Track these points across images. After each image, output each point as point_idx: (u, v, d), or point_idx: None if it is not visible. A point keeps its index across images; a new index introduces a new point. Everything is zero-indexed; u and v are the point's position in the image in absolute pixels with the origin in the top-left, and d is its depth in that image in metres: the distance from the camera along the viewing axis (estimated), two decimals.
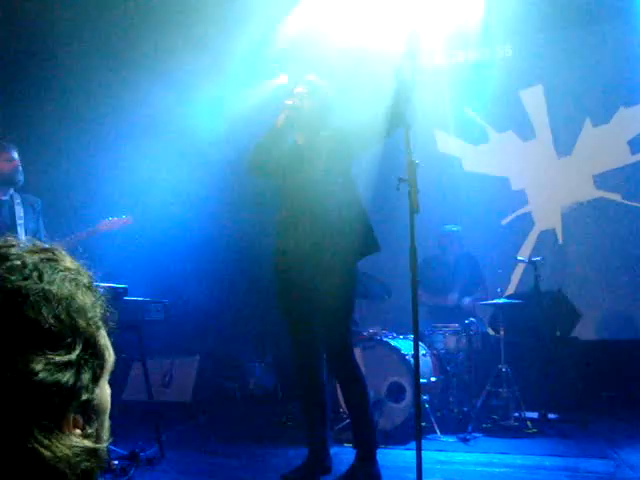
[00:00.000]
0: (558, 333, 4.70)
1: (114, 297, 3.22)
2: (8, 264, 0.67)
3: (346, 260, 2.93)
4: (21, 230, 3.71)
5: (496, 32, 5.96)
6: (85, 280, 0.73)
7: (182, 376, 4.75)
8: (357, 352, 4.09)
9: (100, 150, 4.71)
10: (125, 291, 3.31)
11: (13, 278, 0.66)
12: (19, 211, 3.77)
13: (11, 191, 3.81)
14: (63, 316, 0.67)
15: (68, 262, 0.73)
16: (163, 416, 3.88)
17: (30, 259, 0.69)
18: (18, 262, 0.68)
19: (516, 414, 4.20)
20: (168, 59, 4.81)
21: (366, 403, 3.03)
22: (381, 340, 4.16)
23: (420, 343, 4.26)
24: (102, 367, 0.71)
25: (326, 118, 3.12)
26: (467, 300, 4.75)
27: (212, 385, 4.97)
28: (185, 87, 4.79)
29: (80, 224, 4.03)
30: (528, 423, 4.11)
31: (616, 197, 5.58)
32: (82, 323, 0.69)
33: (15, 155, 3.78)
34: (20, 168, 3.79)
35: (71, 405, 0.65)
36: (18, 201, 3.79)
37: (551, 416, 4.34)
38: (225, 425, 4.45)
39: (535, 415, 4.24)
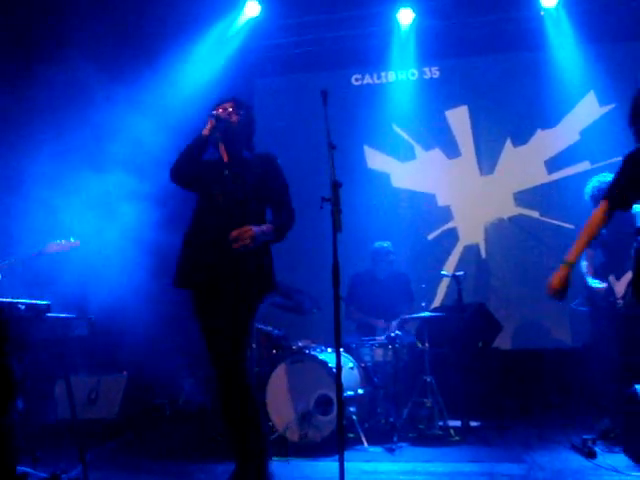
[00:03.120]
0: (480, 344, 4.91)
1: (36, 314, 3.14)
2: None
3: (245, 298, 2.90)
4: None
5: (425, 54, 6.22)
6: None
7: (109, 393, 4.66)
8: (286, 365, 4.15)
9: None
10: (48, 307, 3.24)
11: None
12: None
13: None
14: None
15: None
16: (89, 434, 3.80)
17: None
18: None
19: (440, 423, 4.35)
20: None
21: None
22: (309, 354, 4.23)
23: (348, 356, 4.39)
24: None
25: (250, 138, 3.15)
26: (393, 326, 4.87)
27: (141, 401, 4.90)
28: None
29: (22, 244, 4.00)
30: (451, 431, 4.27)
31: (534, 214, 5.91)
32: None
33: None
34: None
35: None
36: None
37: (473, 424, 4.53)
38: (154, 442, 4.39)
39: (458, 423, 4.41)
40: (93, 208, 4.42)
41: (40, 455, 3.34)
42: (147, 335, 4.86)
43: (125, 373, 4.74)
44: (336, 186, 2.58)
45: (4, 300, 2.98)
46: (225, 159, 3.11)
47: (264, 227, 2.90)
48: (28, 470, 3.09)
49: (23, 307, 3.05)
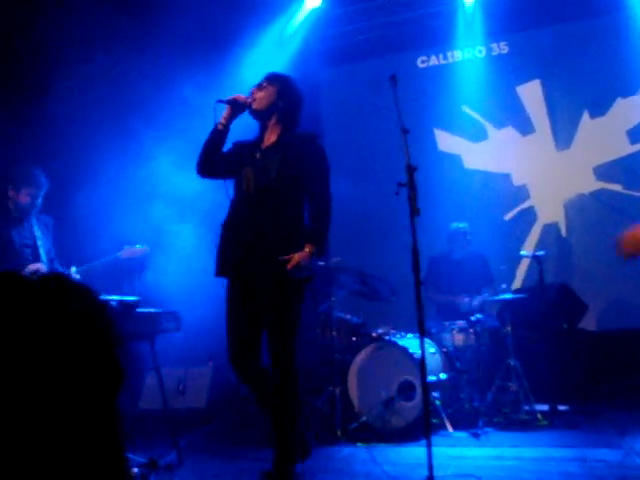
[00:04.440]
0: (565, 325, 4.75)
1: (127, 309, 3.30)
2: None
3: (287, 284, 2.80)
4: (42, 251, 3.94)
5: (491, 30, 6.04)
6: None
7: (196, 383, 4.84)
8: (367, 352, 4.17)
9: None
10: (137, 303, 3.39)
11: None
12: (37, 232, 3.97)
13: (30, 215, 4.01)
14: None
15: None
16: (179, 423, 3.96)
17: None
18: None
19: (526, 407, 4.25)
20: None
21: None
22: (390, 340, 4.23)
23: (429, 341, 4.36)
24: None
25: (290, 115, 2.95)
26: (476, 302, 4.80)
27: (227, 391, 5.05)
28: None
29: (100, 249, 4.21)
30: (538, 416, 4.16)
31: (617, 187, 5.63)
32: None
33: (39, 193, 3.97)
34: (37, 205, 3.98)
35: None
36: (35, 222, 4.00)
37: (561, 408, 4.39)
38: (241, 429, 4.53)
39: (545, 408, 4.29)
40: (173, 204, 4.55)
41: (137, 442, 3.52)
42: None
43: (211, 364, 4.90)
44: (411, 170, 2.56)
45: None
46: (262, 137, 2.99)
47: (307, 250, 2.78)
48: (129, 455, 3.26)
49: (115, 303, 3.22)
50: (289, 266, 2.73)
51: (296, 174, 2.87)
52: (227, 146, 3.07)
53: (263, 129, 3.01)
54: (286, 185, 2.85)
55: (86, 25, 4.79)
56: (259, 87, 2.97)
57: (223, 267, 2.94)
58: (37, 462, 0.70)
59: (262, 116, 2.97)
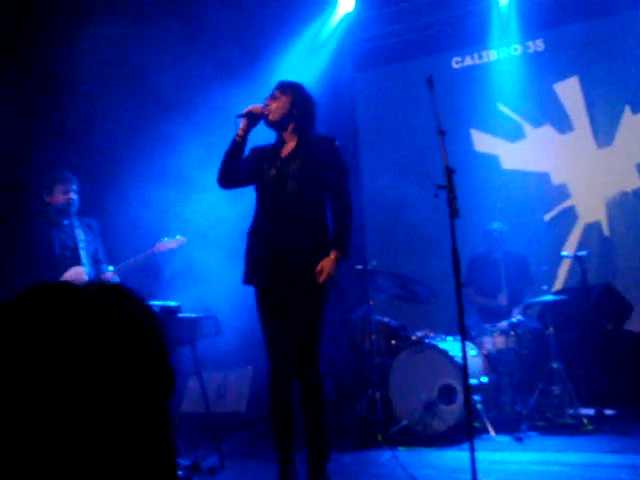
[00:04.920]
0: (610, 327, 4.63)
1: (169, 314, 3.36)
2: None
3: (311, 287, 2.82)
4: (83, 253, 3.95)
5: (527, 27, 5.95)
6: None
7: (236, 387, 4.88)
8: (406, 355, 4.14)
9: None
10: (178, 309, 3.45)
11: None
12: (79, 234, 3.98)
13: (70, 216, 4.02)
14: None
15: None
16: (220, 426, 4.00)
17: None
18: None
19: (571, 411, 4.15)
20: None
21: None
22: (429, 343, 4.20)
23: (469, 343, 4.30)
24: None
25: (305, 119, 2.97)
26: (516, 310, 4.72)
27: (266, 395, 5.07)
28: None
29: (136, 245, 4.25)
30: (584, 420, 4.06)
31: None
32: None
33: (70, 187, 3.99)
34: (73, 200, 3.99)
35: None
36: (77, 224, 4.01)
37: (608, 412, 4.28)
38: None
39: (591, 412, 4.18)
40: (213, 204, 4.59)
41: (179, 445, 3.57)
42: None
43: (250, 368, 4.93)
44: (450, 172, 2.54)
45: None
46: (280, 145, 3.01)
47: (332, 256, 2.80)
48: None
49: (157, 309, 3.28)
50: (321, 279, 2.76)
51: (317, 179, 2.90)
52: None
53: (280, 138, 3.05)
54: (308, 191, 2.88)
55: (119, 27, 4.88)
56: (272, 98, 3.00)
57: (250, 276, 2.97)
58: (90, 466, 0.72)
59: (278, 126, 3.01)
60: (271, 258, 2.87)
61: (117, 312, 0.78)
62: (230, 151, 2.97)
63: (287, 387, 2.95)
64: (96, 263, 4.03)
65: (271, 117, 2.95)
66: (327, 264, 2.78)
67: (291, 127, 2.98)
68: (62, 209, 3.97)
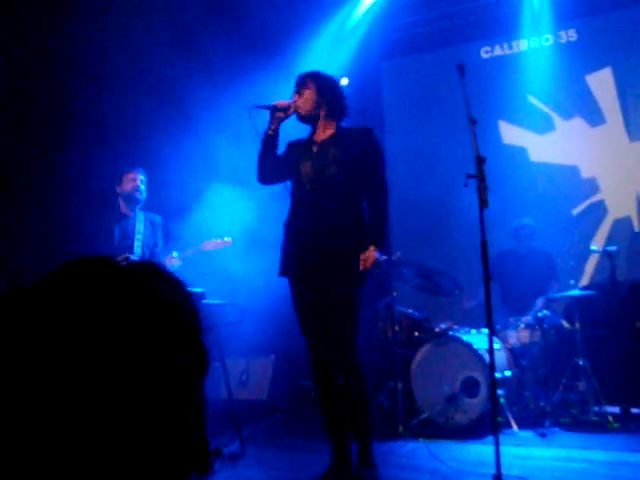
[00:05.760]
0: (638, 325, 4.55)
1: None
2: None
3: (348, 277, 2.81)
4: (137, 244, 4.13)
5: (559, 16, 5.83)
6: None
7: (258, 375, 4.90)
8: (430, 347, 4.11)
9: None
10: (203, 295, 3.46)
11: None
12: (139, 227, 4.18)
13: (136, 209, 4.23)
14: None
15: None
16: (242, 413, 4.02)
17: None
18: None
19: (596, 408, 4.09)
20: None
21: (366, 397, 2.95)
22: (453, 335, 4.16)
23: (493, 337, 4.25)
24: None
25: (335, 108, 2.94)
26: (539, 303, 4.66)
27: (287, 384, 5.10)
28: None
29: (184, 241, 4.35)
30: (609, 418, 4.00)
31: None
32: None
33: (138, 176, 4.19)
34: (141, 188, 4.20)
35: None
36: (141, 218, 4.22)
37: (634, 411, 4.20)
38: (301, 422, 4.56)
39: (616, 410, 4.11)
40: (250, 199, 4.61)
41: None
42: (291, 318, 5.03)
43: (272, 356, 4.95)
44: (480, 161, 2.50)
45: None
46: (314, 137, 2.99)
47: (372, 249, 2.80)
48: None
49: None
50: (367, 265, 2.75)
51: (355, 167, 2.86)
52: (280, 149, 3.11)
53: (315, 128, 3.03)
54: (346, 178, 2.84)
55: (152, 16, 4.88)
56: (298, 93, 2.99)
57: (285, 267, 2.95)
58: (122, 446, 0.72)
59: (311, 119, 3.00)
60: (307, 246, 2.85)
61: (151, 288, 0.77)
62: (263, 147, 2.98)
63: (329, 375, 2.93)
64: (152, 256, 4.18)
65: (302, 112, 2.95)
66: (368, 255, 2.77)
67: (323, 114, 2.96)
68: (130, 197, 4.17)
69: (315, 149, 2.94)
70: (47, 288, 0.74)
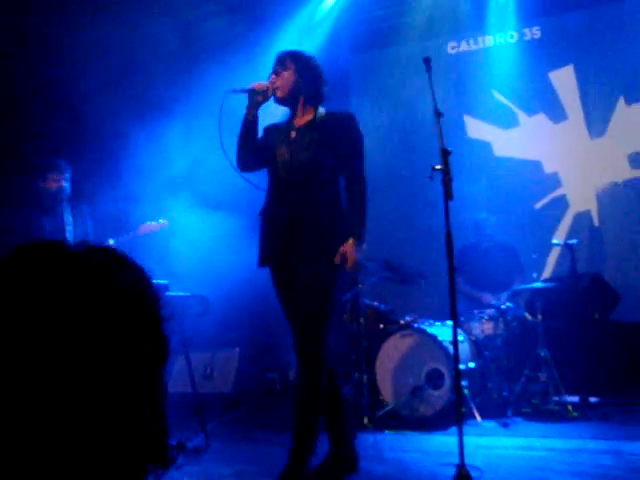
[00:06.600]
0: (597, 316, 4.66)
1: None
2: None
3: (321, 267, 2.72)
4: (69, 235, 4.12)
5: (524, 14, 5.91)
6: None
7: (223, 368, 4.86)
8: (395, 339, 4.14)
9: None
10: (167, 287, 3.41)
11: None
12: (67, 219, 4.16)
13: (63, 202, 4.19)
14: None
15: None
16: (206, 407, 3.98)
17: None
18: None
19: (556, 398, 4.18)
20: None
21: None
22: (418, 327, 4.19)
23: (457, 329, 4.30)
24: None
25: (313, 90, 2.84)
26: (504, 297, 4.74)
27: (252, 376, 5.07)
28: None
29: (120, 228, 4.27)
30: (569, 407, 4.09)
31: None
32: None
33: (62, 176, 4.15)
34: (65, 187, 4.16)
35: None
36: (68, 210, 4.20)
37: (592, 400, 4.31)
38: (266, 415, 4.54)
39: (576, 399, 4.21)
40: (203, 188, 4.55)
41: None
42: (256, 311, 5.01)
43: (237, 349, 4.91)
44: (446, 154, 2.51)
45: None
46: (293, 122, 2.89)
47: (350, 241, 2.71)
48: None
49: None
50: (348, 266, 2.67)
51: (334, 153, 2.77)
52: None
53: (294, 111, 2.93)
54: (324, 165, 2.75)
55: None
56: (276, 73, 2.88)
57: (263, 256, 2.88)
58: (78, 436, 0.69)
59: (289, 101, 2.90)
60: (283, 232, 2.76)
61: (108, 274, 0.74)
62: (242, 132, 2.86)
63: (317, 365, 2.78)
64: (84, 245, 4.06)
65: (279, 94, 2.84)
66: (349, 250, 2.68)
67: (302, 98, 2.86)
68: (53, 196, 4.13)
69: (293, 134, 2.85)
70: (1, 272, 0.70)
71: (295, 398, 2.82)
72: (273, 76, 2.87)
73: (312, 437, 2.73)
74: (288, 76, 2.83)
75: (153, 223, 4.28)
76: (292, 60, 2.85)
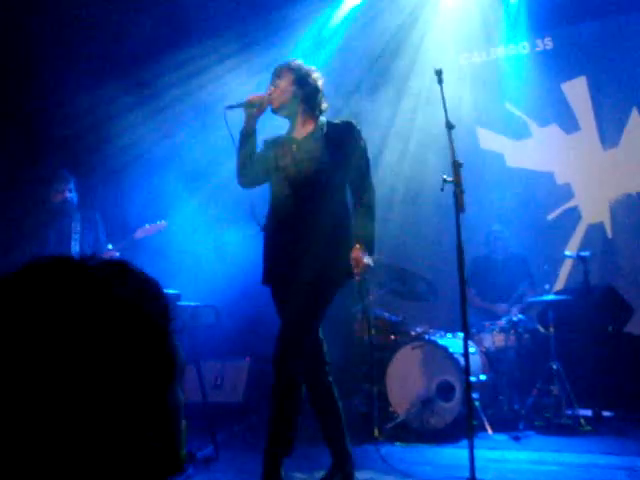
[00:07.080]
0: (610, 329, 4.61)
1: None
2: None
3: (320, 285, 2.67)
4: (75, 243, 4.14)
5: (536, 25, 5.90)
6: None
7: (233, 378, 4.85)
8: (406, 351, 4.12)
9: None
10: (178, 297, 3.42)
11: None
12: (76, 226, 4.18)
13: (70, 211, 4.23)
14: None
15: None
16: (216, 417, 3.98)
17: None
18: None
19: (569, 412, 4.14)
20: None
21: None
22: (429, 339, 4.17)
23: (469, 341, 4.27)
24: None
25: (312, 101, 2.78)
26: (515, 310, 4.70)
27: (262, 386, 5.05)
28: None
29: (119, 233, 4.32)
30: (581, 421, 4.05)
31: None
32: None
33: (66, 187, 4.20)
34: (69, 198, 4.21)
35: None
36: (77, 217, 4.23)
37: (606, 414, 4.27)
38: None
39: (589, 413, 4.17)
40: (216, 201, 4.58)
41: None
42: (266, 320, 5.00)
43: (248, 359, 4.91)
44: (457, 166, 2.51)
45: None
46: (293, 134, 2.83)
47: (357, 246, 2.65)
48: None
49: None
50: (357, 272, 2.61)
51: (338, 163, 2.71)
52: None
53: (293, 123, 2.87)
54: (329, 175, 2.69)
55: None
56: (273, 85, 2.83)
57: (269, 276, 2.81)
58: (88, 452, 0.69)
59: (286, 112, 2.84)
60: (288, 252, 2.70)
61: (109, 290, 0.73)
62: (241, 145, 2.79)
63: (313, 379, 2.81)
64: (94, 252, 4.08)
65: (275, 104, 2.78)
66: (357, 255, 2.62)
67: (301, 109, 2.80)
68: (60, 207, 4.19)
69: (294, 147, 2.79)
70: (5, 290, 0.71)
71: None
72: (271, 88, 2.83)
73: (287, 426, 2.75)
74: (284, 86, 2.79)
75: (151, 225, 4.23)
76: (289, 70, 2.81)
